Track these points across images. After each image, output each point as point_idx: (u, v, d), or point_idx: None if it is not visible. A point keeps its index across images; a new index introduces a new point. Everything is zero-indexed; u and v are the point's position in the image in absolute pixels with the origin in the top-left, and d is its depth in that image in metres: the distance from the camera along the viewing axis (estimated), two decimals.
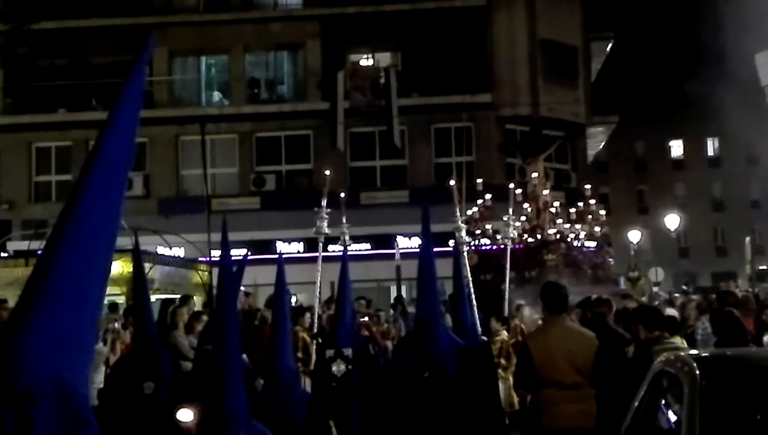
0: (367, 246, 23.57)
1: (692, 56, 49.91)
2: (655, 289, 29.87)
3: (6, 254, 18.43)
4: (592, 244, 18.50)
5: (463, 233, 11.41)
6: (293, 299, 17.62)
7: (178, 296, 12.43)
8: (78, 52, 27.77)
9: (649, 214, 53.84)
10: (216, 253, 11.80)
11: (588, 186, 20.89)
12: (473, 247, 16.39)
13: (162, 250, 18.23)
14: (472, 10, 27.12)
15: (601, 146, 35.05)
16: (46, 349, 2.12)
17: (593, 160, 37.12)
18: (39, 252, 14.38)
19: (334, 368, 8.02)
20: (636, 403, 5.26)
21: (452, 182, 11.85)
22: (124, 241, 15.70)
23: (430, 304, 7.18)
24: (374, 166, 27.43)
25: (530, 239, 17.52)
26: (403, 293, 19.40)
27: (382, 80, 26.81)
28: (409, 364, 7.03)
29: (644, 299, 16.64)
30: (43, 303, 2.16)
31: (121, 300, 13.42)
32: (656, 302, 15.46)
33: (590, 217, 18.86)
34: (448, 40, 26.93)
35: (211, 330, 6.39)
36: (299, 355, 10.68)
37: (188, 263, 16.76)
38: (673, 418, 4.61)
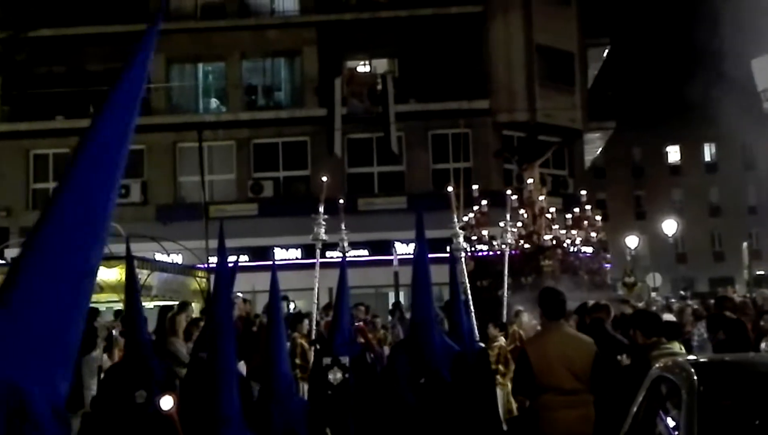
0: (365, 252, 23.58)
1: (689, 62, 50.06)
2: (653, 294, 29.89)
3: (3, 262, 18.41)
4: (589, 249, 18.51)
5: (461, 239, 11.43)
6: (292, 305, 17.61)
7: (176, 303, 12.42)
8: (76, 60, 27.78)
9: (647, 220, 53.89)
10: (214, 260, 11.81)
11: (584, 192, 20.90)
12: (469, 253, 16.40)
13: (160, 256, 18.21)
14: (469, 16, 27.17)
15: (598, 152, 35.09)
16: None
17: (590, 166, 37.18)
18: None
19: (330, 376, 7.98)
20: (634, 409, 5.26)
21: (450, 188, 11.87)
22: (121, 248, 15.66)
23: (425, 309, 7.18)
24: (372, 173, 27.44)
25: (526, 245, 17.52)
26: (402, 299, 19.37)
27: (379, 87, 26.85)
28: (404, 370, 7.01)
29: (641, 305, 16.63)
30: (7, 306, 2.00)
31: (120, 307, 13.41)
32: (654, 308, 15.48)
33: (586, 222, 18.86)
34: (445, 46, 26.98)
35: (206, 336, 6.38)
36: (297, 361, 10.67)
37: (186, 270, 16.76)
38: (671, 424, 4.61)
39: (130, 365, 6.53)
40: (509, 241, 13.58)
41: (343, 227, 11.56)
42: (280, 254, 25.24)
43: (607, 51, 31.33)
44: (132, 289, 6.83)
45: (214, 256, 17.38)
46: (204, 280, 15.78)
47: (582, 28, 29.46)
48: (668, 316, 12.48)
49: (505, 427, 10.83)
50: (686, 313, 14.13)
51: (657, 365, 5.32)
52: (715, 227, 55.24)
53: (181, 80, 28.64)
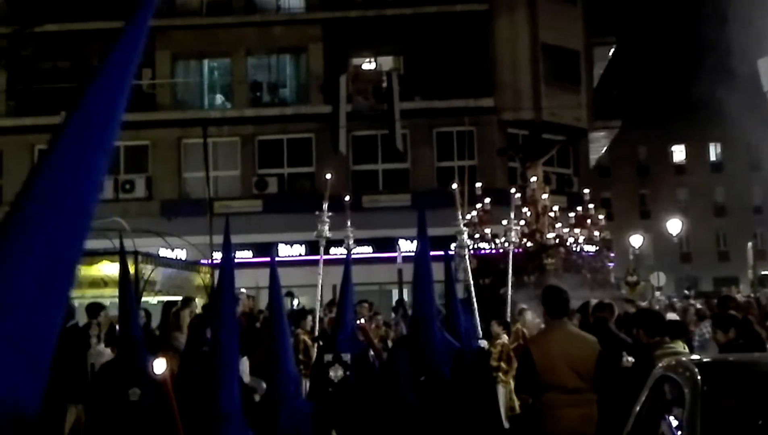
0: (369, 249, 23.59)
1: (694, 61, 49.90)
2: (657, 293, 29.84)
3: None
4: (592, 248, 18.49)
5: (465, 236, 11.42)
6: (295, 302, 17.62)
7: (180, 298, 12.44)
8: (81, 55, 27.78)
9: (651, 219, 53.85)
10: (218, 256, 11.80)
11: (587, 190, 20.86)
12: (472, 251, 16.37)
13: (164, 252, 18.25)
14: (474, 14, 27.14)
15: (603, 151, 35.05)
16: None
17: (595, 165, 37.12)
18: None
19: (331, 373, 7.93)
20: (637, 408, 5.25)
21: (455, 186, 11.86)
22: (125, 243, 15.69)
23: (426, 306, 7.16)
24: (376, 170, 27.44)
25: (529, 243, 17.50)
26: (405, 297, 19.40)
27: (385, 84, 26.84)
28: (404, 367, 6.99)
29: (644, 304, 16.61)
30: None
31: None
32: (656, 307, 15.45)
33: (589, 221, 18.83)
34: (450, 44, 26.96)
35: (203, 328, 6.34)
36: (300, 357, 10.67)
37: (190, 265, 16.77)
38: (674, 423, 4.61)
39: (123, 362, 6.46)
40: (513, 239, 13.56)
41: (348, 224, 11.56)
42: (284, 251, 25.28)
43: (612, 50, 31.28)
44: (126, 285, 6.75)
45: (218, 251, 17.40)
46: (208, 275, 15.80)
47: (588, 26, 29.42)
48: (672, 316, 12.47)
49: (507, 425, 10.82)
50: (689, 312, 14.13)
51: (660, 365, 5.31)
52: (720, 227, 55.15)
53: (186, 76, 28.66)
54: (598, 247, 18.77)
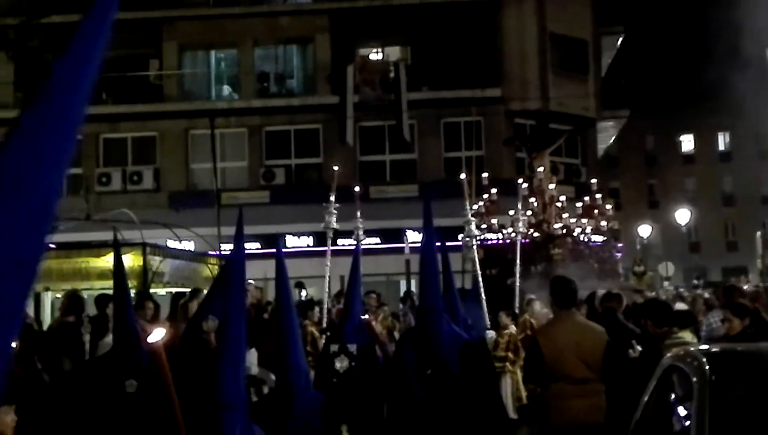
0: (377, 240, 23.59)
1: (703, 50, 49.68)
2: (665, 283, 29.80)
3: None
4: (599, 238, 18.45)
5: (473, 227, 11.42)
6: (303, 293, 17.63)
7: (189, 290, 12.46)
8: None
9: (660, 209, 53.73)
10: (226, 247, 11.82)
11: (594, 180, 20.81)
12: (479, 242, 16.36)
13: (172, 243, 18.27)
14: (482, 4, 27.06)
15: (611, 141, 34.94)
16: None
17: (603, 155, 37.01)
18: (51, 245, 14.43)
19: (337, 364, 7.91)
20: (645, 398, 5.25)
21: (462, 176, 11.85)
22: (133, 235, 15.75)
23: (433, 298, 7.14)
24: (384, 161, 27.42)
25: (536, 234, 17.47)
26: (413, 287, 19.41)
27: (392, 74, 26.80)
28: (411, 360, 6.98)
29: (652, 294, 16.59)
30: None
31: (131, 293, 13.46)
32: (663, 297, 15.43)
33: (597, 211, 18.79)
34: (457, 34, 26.88)
35: (198, 320, 6.32)
36: (308, 348, 10.68)
37: (198, 257, 16.79)
38: (682, 413, 4.61)
39: (119, 354, 6.44)
40: (520, 229, 13.56)
41: (358, 215, 11.57)
42: (291, 242, 25.31)
43: (621, 39, 31.14)
44: (121, 278, 6.72)
45: (226, 243, 17.42)
46: (216, 267, 15.81)
47: (596, 16, 29.28)
48: (680, 306, 12.46)
49: (515, 416, 10.84)
50: (698, 302, 14.10)
51: (668, 354, 5.31)
52: (729, 216, 55.00)
53: (193, 67, 28.66)
54: (605, 238, 18.73)
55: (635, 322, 8.54)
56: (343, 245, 14.20)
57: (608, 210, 19.46)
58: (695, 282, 32.04)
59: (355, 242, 11.33)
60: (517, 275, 12.48)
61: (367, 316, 8.37)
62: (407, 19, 27.32)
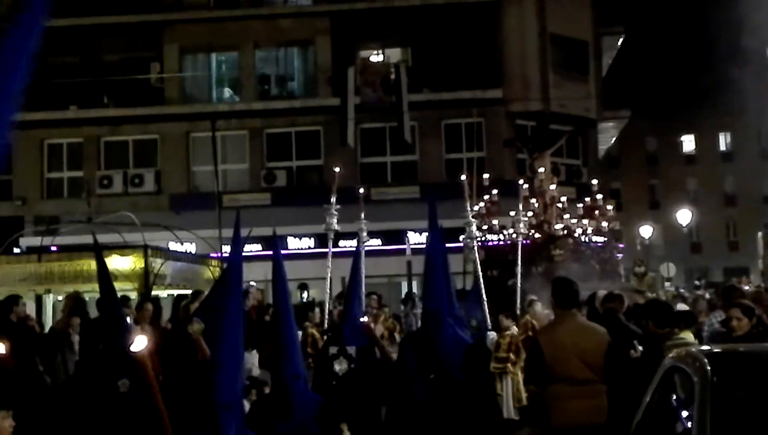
0: (378, 241, 23.58)
1: (704, 50, 49.67)
2: (667, 284, 29.78)
3: (18, 250, 18.52)
4: (600, 239, 18.44)
5: (474, 228, 11.42)
6: (305, 295, 17.64)
7: (190, 292, 12.48)
8: (90, 50, 27.86)
9: (661, 209, 53.70)
10: (227, 249, 11.76)
11: (595, 181, 20.80)
12: (480, 243, 16.35)
13: (173, 245, 18.28)
14: (482, 5, 27.06)
15: (612, 141, 34.93)
16: None
17: (605, 155, 37.00)
18: (52, 248, 14.45)
19: (336, 366, 7.88)
20: (647, 399, 5.25)
21: (463, 177, 11.84)
22: (135, 237, 15.75)
23: (437, 301, 7.12)
24: (385, 162, 27.42)
25: (537, 234, 17.47)
26: (414, 289, 19.40)
27: (393, 76, 26.78)
28: (414, 364, 6.95)
29: (652, 295, 16.56)
30: None
31: (133, 295, 13.47)
32: (663, 298, 15.40)
33: (597, 212, 18.78)
34: (458, 35, 26.89)
35: (205, 310, 6.32)
36: (308, 350, 10.68)
37: (199, 259, 16.81)
38: (684, 414, 4.60)
39: (111, 354, 6.44)
40: (521, 230, 13.55)
41: (362, 216, 11.57)
42: (293, 244, 25.31)
43: (621, 39, 31.13)
44: (105, 279, 6.70)
45: (227, 245, 17.39)
46: (217, 269, 15.83)
47: (596, 16, 29.27)
48: (682, 306, 12.44)
49: (516, 417, 10.83)
50: (699, 303, 14.07)
51: (670, 355, 5.30)
52: (730, 217, 54.95)
53: (194, 70, 28.67)
54: (606, 238, 18.73)
55: (636, 322, 8.54)
56: (345, 247, 14.20)
57: (609, 211, 19.46)
58: (697, 282, 32.01)
59: (356, 244, 11.32)
60: (519, 276, 12.47)
61: (366, 319, 8.35)
62: (408, 21, 27.32)
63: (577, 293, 6.85)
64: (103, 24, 27.31)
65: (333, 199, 11.09)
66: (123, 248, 13.93)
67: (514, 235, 14.07)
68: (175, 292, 14.27)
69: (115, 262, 13.26)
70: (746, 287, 15.21)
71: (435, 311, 7.06)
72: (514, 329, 11.41)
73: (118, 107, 27.25)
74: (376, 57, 28.21)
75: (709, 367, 4.47)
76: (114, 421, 6.01)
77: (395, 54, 28.27)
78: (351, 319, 8.14)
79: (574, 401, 6.22)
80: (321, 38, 27.67)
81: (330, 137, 26.81)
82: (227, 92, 29.19)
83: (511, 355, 11.10)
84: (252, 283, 13.02)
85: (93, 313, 10.56)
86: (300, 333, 11.14)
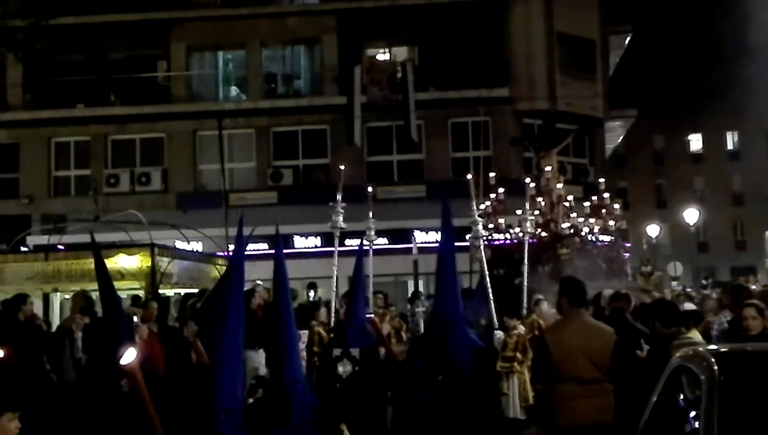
0: (384, 240, 23.58)
1: (711, 49, 49.52)
2: (673, 283, 29.71)
3: (26, 249, 18.56)
4: (607, 238, 18.40)
5: (480, 227, 11.41)
6: (311, 294, 17.64)
7: (197, 290, 12.50)
8: (96, 48, 27.91)
9: (668, 209, 53.56)
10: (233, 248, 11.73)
11: (602, 180, 20.76)
12: (486, 242, 16.32)
13: (180, 244, 18.30)
14: (489, 3, 27.04)
15: (619, 140, 34.87)
16: None
17: (611, 154, 36.94)
18: (59, 247, 14.48)
19: (340, 368, 7.85)
20: (654, 399, 5.23)
21: (469, 176, 11.83)
22: (142, 236, 15.79)
23: (450, 303, 7.07)
24: (391, 161, 27.42)
25: (543, 233, 17.44)
26: (421, 288, 19.40)
27: (399, 75, 26.79)
28: (422, 365, 6.93)
29: (658, 294, 16.51)
30: None
31: (140, 294, 13.50)
32: (668, 297, 15.33)
33: (605, 211, 18.73)
34: (464, 34, 26.86)
35: (207, 312, 6.31)
36: (315, 349, 10.66)
37: (206, 257, 16.83)
38: (691, 413, 4.59)
39: (113, 355, 6.43)
40: (528, 229, 13.53)
41: (370, 215, 11.55)
42: (300, 242, 25.33)
43: (628, 38, 31.07)
44: (105, 279, 6.68)
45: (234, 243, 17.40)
46: (224, 267, 15.84)
47: (603, 15, 29.22)
48: (689, 305, 12.40)
49: (523, 416, 10.82)
50: (707, 302, 14.02)
51: (677, 355, 5.29)
52: (738, 216, 54.79)
53: (201, 68, 28.72)
54: (613, 237, 18.68)
55: (643, 322, 8.52)
56: (352, 246, 14.19)
57: (616, 210, 19.41)
58: (704, 282, 31.90)
59: (362, 243, 11.31)
60: (525, 275, 12.44)
61: (372, 315, 8.32)
62: (414, 19, 27.31)
63: (586, 292, 6.85)
64: (110, 22, 27.36)
65: (339, 197, 11.08)
66: (130, 247, 13.95)
67: (521, 234, 14.05)
68: (182, 290, 14.30)
69: (122, 261, 13.29)
70: (753, 286, 15.18)
71: (446, 313, 7.02)
72: (521, 328, 11.39)
73: (125, 105, 27.30)
74: (382, 55, 28.22)
75: (716, 367, 4.46)
76: (116, 420, 6.02)
77: (402, 52, 28.27)
78: (354, 321, 8.10)
79: (581, 400, 6.22)
80: (327, 37, 27.68)
81: (336, 136, 26.83)
82: (234, 91, 29.22)
83: (518, 355, 11.08)
84: (259, 281, 13.02)
85: (100, 311, 10.58)
86: (306, 332, 11.16)
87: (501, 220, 17.99)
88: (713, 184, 55.11)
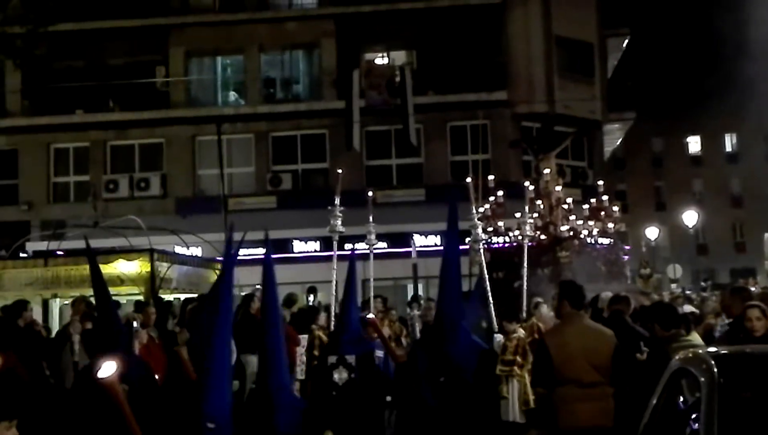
0: (384, 244, 23.54)
1: (709, 51, 49.57)
2: (673, 286, 29.72)
3: (25, 255, 18.56)
4: (606, 241, 18.39)
5: (479, 230, 11.40)
6: (311, 298, 17.63)
7: (196, 295, 12.51)
8: (95, 54, 27.93)
9: (667, 211, 53.56)
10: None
11: (601, 182, 20.77)
12: (486, 245, 16.31)
13: (179, 249, 18.31)
14: (487, 7, 27.07)
15: (618, 143, 34.89)
16: None
17: (610, 157, 36.97)
18: (58, 253, 14.49)
19: (335, 376, 7.79)
20: (654, 401, 5.24)
21: (469, 179, 11.84)
22: (141, 241, 15.80)
23: (455, 305, 7.04)
24: (390, 165, 27.43)
25: (543, 236, 17.43)
26: (420, 292, 19.36)
27: (398, 78, 26.79)
28: (424, 366, 6.92)
29: (657, 297, 16.51)
30: None
31: (141, 299, 13.50)
32: (667, 299, 15.33)
33: (603, 213, 18.73)
34: (463, 37, 26.88)
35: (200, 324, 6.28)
36: (315, 353, 10.64)
37: (205, 262, 16.84)
38: (691, 416, 4.59)
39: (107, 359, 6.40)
40: (527, 232, 13.52)
41: (371, 220, 11.55)
42: (299, 247, 25.31)
43: (626, 41, 31.11)
44: (100, 285, 6.67)
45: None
46: None
47: (601, 18, 29.26)
48: (688, 308, 12.41)
49: (523, 420, 10.80)
50: (707, 304, 14.04)
51: (677, 357, 5.29)
52: (737, 218, 54.79)
53: (199, 73, 28.73)
54: (612, 240, 18.68)
55: (643, 325, 8.53)
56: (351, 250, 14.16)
57: (615, 212, 19.41)
58: (703, 284, 31.93)
59: (360, 247, 11.30)
60: (524, 278, 12.43)
61: (372, 315, 8.27)
62: (413, 23, 27.33)
63: (585, 295, 6.87)
64: (109, 28, 27.38)
65: (337, 201, 11.08)
66: (129, 252, 13.96)
67: (520, 237, 14.05)
68: (182, 295, 14.30)
69: (122, 267, 13.30)
70: (753, 288, 15.16)
71: (451, 315, 7.00)
72: (521, 332, 11.38)
73: (123, 111, 27.31)
74: (381, 60, 28.23)
75: (716, 369, 4.46)
76: (112, 426, 6.01)
77: (400, 56, 28.29)
78: (348, 328, 8.04)
79: (582, 403, 6.22)
80: (326, 41, 27.70)
81: (335, 140, 26.83)
82: (233, 96, 29.24)
83: (518, 358, 11.07)
84: (258, 286, 13.03)
85: None
86: (307, 336, 11.15)
87: (500, 223, 17.97)
88: (712, 186, 55.12)
